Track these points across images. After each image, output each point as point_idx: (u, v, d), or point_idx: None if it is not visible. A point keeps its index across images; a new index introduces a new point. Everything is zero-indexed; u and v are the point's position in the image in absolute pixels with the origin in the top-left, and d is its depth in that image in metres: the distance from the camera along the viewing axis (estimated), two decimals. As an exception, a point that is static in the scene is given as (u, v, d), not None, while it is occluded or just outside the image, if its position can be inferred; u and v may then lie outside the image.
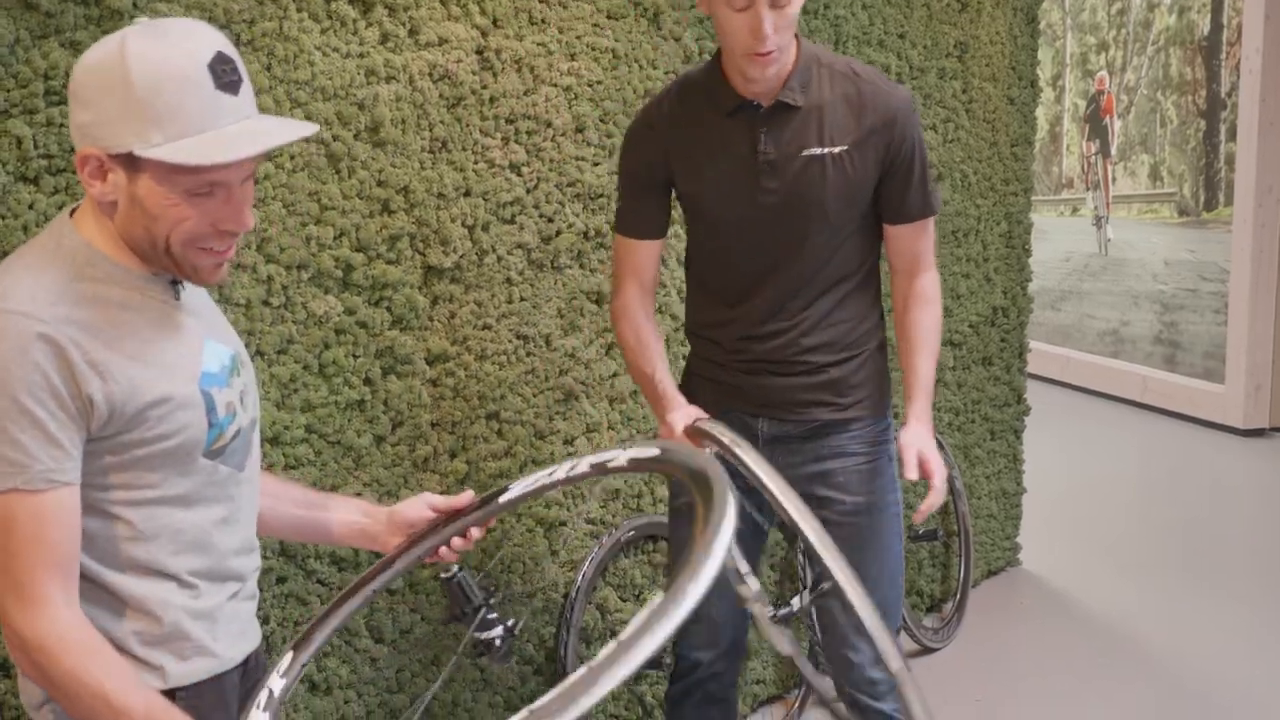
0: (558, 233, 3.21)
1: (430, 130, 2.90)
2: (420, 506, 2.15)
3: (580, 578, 3.30)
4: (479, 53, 2.99)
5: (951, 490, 4.64)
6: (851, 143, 2.53)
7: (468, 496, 2.15)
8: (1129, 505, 6.04)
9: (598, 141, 3.28)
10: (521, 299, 3.14)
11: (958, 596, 4.67)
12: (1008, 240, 4.94)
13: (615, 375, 3.39)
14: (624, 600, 3.48)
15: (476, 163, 3.01)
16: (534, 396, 3.20)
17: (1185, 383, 8.06)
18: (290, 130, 1.75)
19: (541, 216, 3.16)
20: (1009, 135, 4.85)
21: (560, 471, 2.13)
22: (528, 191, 3.13)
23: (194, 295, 1.83)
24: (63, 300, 1.64)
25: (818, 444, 2.68)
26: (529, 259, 3.15)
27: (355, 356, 2.79)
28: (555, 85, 3.16)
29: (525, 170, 3.12)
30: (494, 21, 3.02)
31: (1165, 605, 4.91)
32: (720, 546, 1.58)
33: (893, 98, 2.57)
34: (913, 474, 2.43)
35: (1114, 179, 9.15)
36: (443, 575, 2.22)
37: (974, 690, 4.18)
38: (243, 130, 1.67)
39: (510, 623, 2.19)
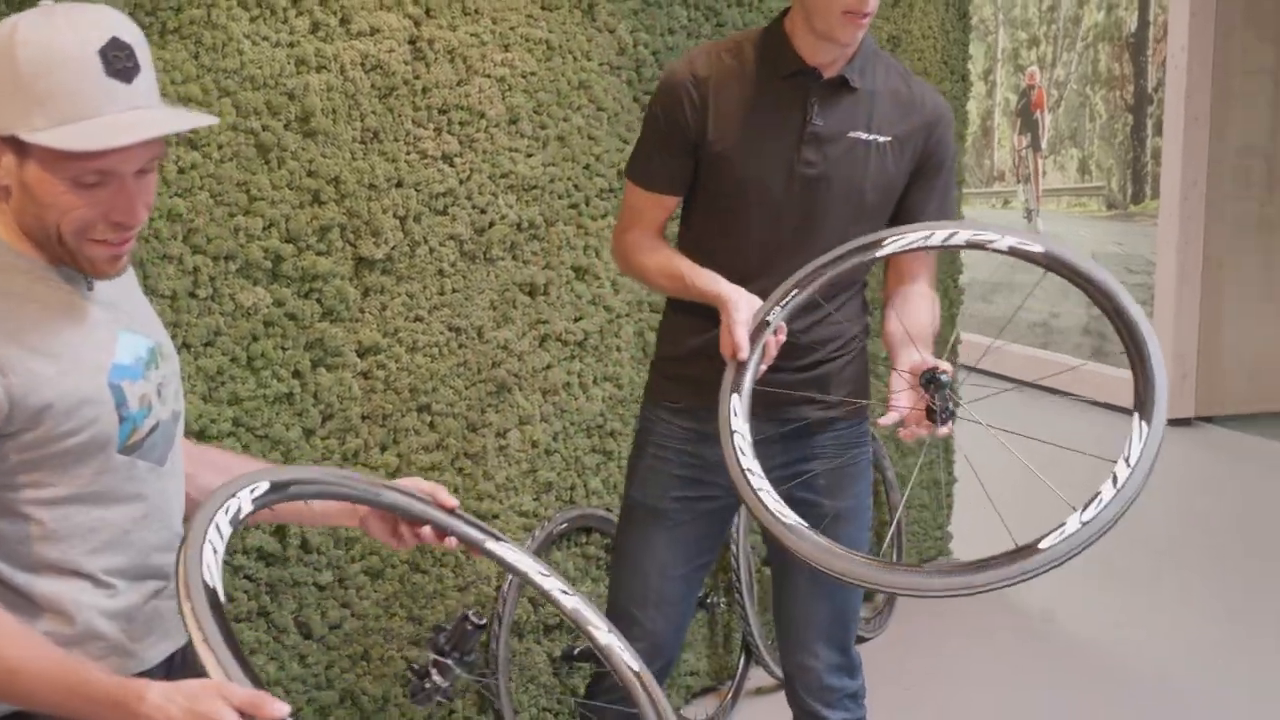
0: (491, 224, 3.16)
1: (362, 120, 2.85)
2: (411, 487, 2.04)
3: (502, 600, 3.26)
4: (411, 42, 2.94)
5: (883, 480, 4.64)
6: (895, 136, 2.50)
7: (451, 502, 2.02)
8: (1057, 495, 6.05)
9: (531, 133, 3.23)
10: (454, 291, 3.10)
11: (889, 586, 4.66)
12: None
13: (549, 367, 3.36)
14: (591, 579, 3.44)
15: (409, 153, 2.96)
16: (466, 389, 3.16)
17: (1113, 373, 8.13)
18: (181, 120, 1.70)
19: (474, 208, 3.12)
20: (941, 129, 4.85)
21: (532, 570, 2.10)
22: (460, 183, 3.08)
23: (113, 286, 1.76)
24: None
25: (799, 444, 2.61)
26: (461, 251, 3.10)
27: (284, 349, 2.74)
28: (489, 76, 3.12)
29: (458, 161, 3.07)
30: (427, 11, 2.97)
31: (1093, 593, 4.94)
32: None
33: (941, 103, 2.58)
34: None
35: (1044, 172, 9.21)
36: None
37: (905, 678, 4.18)
38: (136, 119, 1.60)
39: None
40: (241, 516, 1.69)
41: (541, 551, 3.34)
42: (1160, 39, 7.93)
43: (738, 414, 2.28)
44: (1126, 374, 7.28)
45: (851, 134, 2.48)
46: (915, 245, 2.32)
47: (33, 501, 1.65)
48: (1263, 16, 7.69)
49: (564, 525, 3.39)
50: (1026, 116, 9.35)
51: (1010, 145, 9.58)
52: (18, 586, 1.66)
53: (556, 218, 3.31)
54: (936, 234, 2.30)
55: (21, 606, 1.66)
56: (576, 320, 3.42)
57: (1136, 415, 2.17)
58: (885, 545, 4.73)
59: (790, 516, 2.14)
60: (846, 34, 2.40)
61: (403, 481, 2.01)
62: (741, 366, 2.32)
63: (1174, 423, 7.65)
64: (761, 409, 2.47)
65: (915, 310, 2.53)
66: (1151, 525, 5.93)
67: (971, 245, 2.29)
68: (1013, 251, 2.26)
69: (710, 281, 2.45)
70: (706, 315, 2.49)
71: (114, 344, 1.70)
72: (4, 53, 1.56)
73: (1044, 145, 9.18)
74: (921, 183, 2.56)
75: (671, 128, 2.52)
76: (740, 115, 2.48)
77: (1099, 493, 2.09)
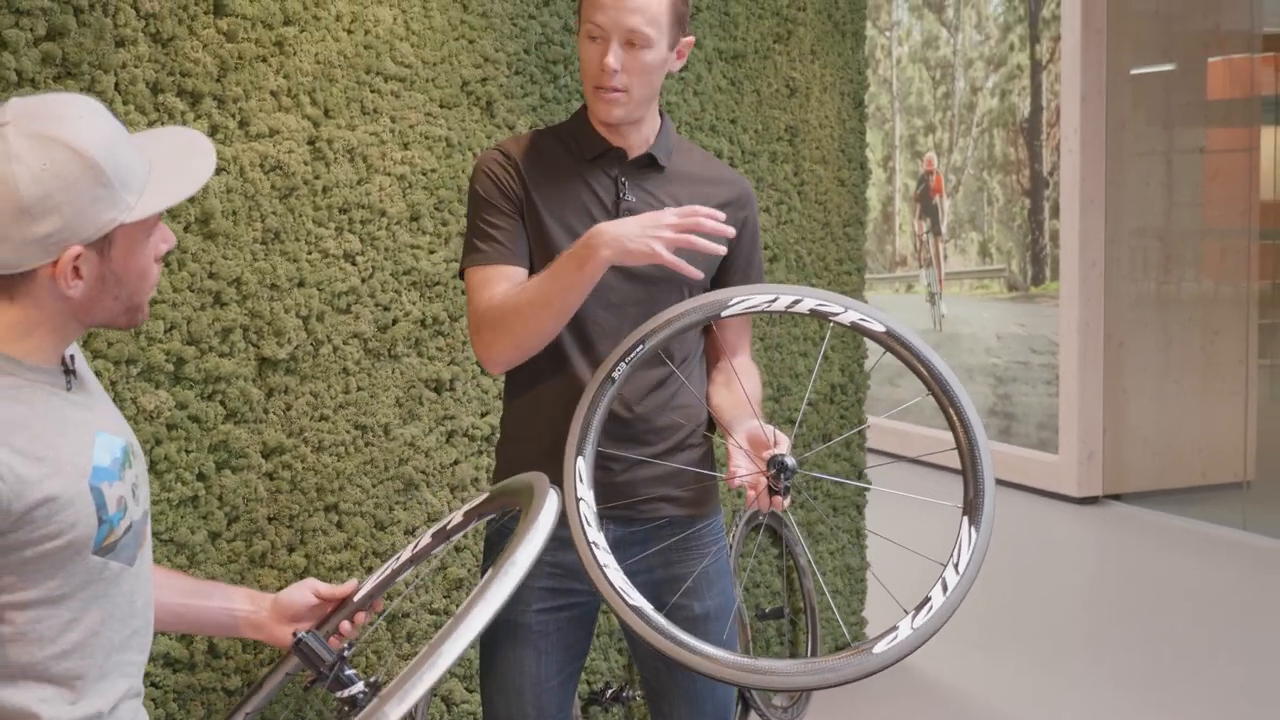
0: (394, 321, 3.20)
1: (262, 221, 2.89)
2: (304, 591, 2.15)
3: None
4: (311, 143, 3.00)
5: (797, 568, 4.69)
6: None
7: (352, 585, 2.17)
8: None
9: (433, 230, 3.29)
10: (359, 389, 3.12)
11: (805, 673, 4.70)
12: (827, 322, 5.04)
13: (456, 463, 3.38)
14: (470, 691, 3.44)
15: (310, 253, 3.00)
16: (373, 487, 3.17)
17: (1020, 453, 8.28)
18: (198, 140, 1.84)
19: (378, 305, 3.16)
20: (841, 216, 4.97)
21: (406, 552, 2.19)
22: (363, 280, 3.12)
23: (85, 385, 1.81)
24: None
25: (660, 545, 2.56)
26: (365, 348, 3.14)
27: (188, 452, 2.75)
28: (389, 174, 3.17)
29: (360, 259, 3.11)
30: (325, 112, 3.02)
31: (1008, 674, 5.01)
32: (546, 519, 1.83)
33: (742, 180, 2.63)
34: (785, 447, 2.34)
35: (945, 256, 9.41)
36: (291, 640, 2.12)
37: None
38: (161, 156, 1.76)
39: (373, 679, 2.15)
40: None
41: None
42: (1053, 124, 8.17)
43: (583, 479, 2.26)
44: (1031, 453, 7.36)
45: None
46: (760, 308, 2.33)
47: (7, 605, 1.67)
48: (1152, 101, 7.97)
49: (410, 567, 3.40)
50: (926, 202, 9.56)
51: (911, 230, 9.78)
52: None
53: (460, 313, 3.36)
54: (781, 298, 2.33)
55: None
56: (483, 415, 3.46)
57: (965, 520, 2.25)
58: (802, 632, 4.77)
59: (635, 597, 2.16)
60: (598, 109, 2.46)
61: (294, 599, 2.12)
62: (586, 429, 2.29)
63: (1082, 500, 7.81)
64: (619, 509, 2.47)
65: (745, 380, 2.56)
66: (1062, 603, 6.03)
67: (815, 314, 2.33)
68: (855, 326, 2.33)
69: (570, 248, 2.37)
70: (554, 397, 2.48)
71: (92, 446, 1.74)
72: (73, 164, 1.64)
73: (944, 229, 9.38)
74: (739, 258, 2.59)
75: (498, 197, 2.48)
76: (553, 195, 2.49)
77: (929, 599, 2.18)
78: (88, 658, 1.75)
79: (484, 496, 2.17)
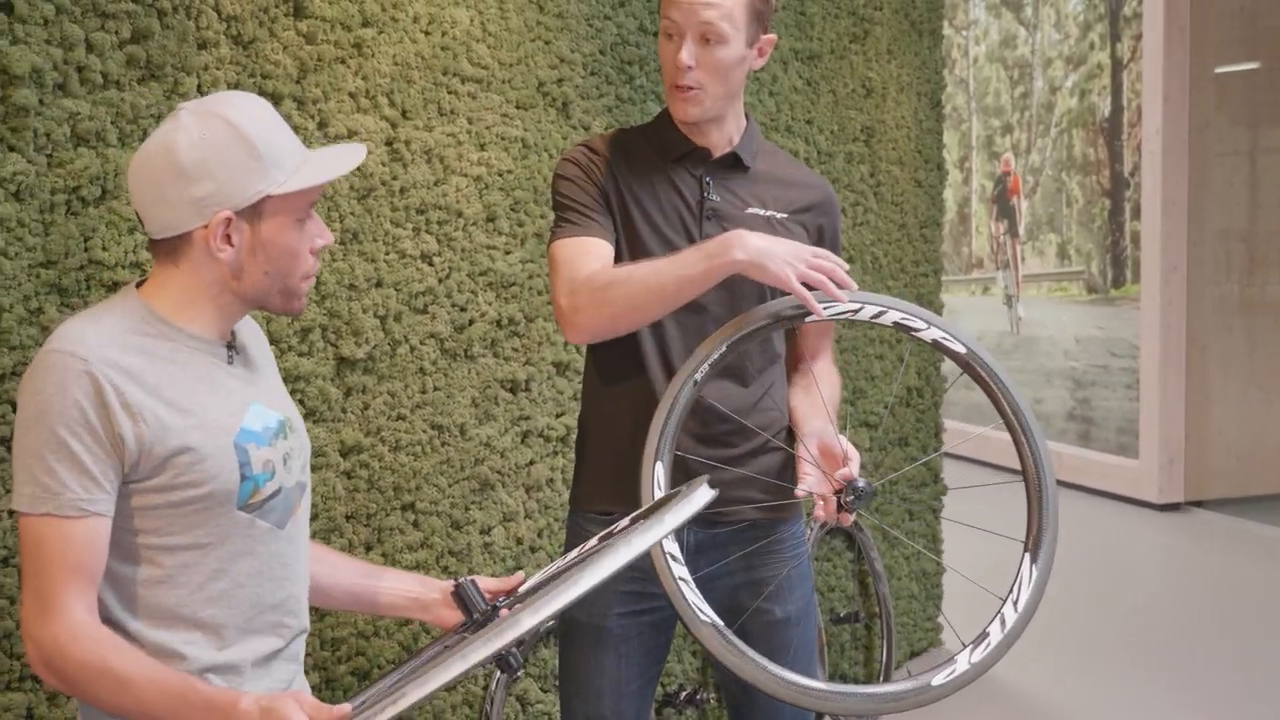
0: (470, 322, 3.24)
1: (341, 222, 2.93)
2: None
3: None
4: (389, 144, 3.04)
5: (872, 572, 4.68)
6: (790, 214, 2.54)
7: (519, 578, 2.24)
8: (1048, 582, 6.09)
9: (509, 230, 3.32)
10: (435, 389, 3.16)
11: (881, 678, 4.69)
12: (908, 335, 5.03)
13: (531, 463, 3.41)
14: (544, 691, 3.47)
15: (388, 253, 3.04)
16: (449, 487, 3.21)
17: (1099, 458, 8.20)
18: (353, 146, 2.01)
19: (454, 306, 3.20)
20: (918, 217, 4.96)
21: (573, 554, 2.26)
22: (440, 281, 3.16)
23: (252, 364, 1.99)
24: (111, 345, 1.80)
25: (744, 549, 2.55)
26: (442, 349, 3.17)
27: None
28: (466, 175, 3.21)
29: (437, 260, 3.15)
30: (403, 113, 3.06)
31: (1086, 682, 4.97)
32: (700, 496, 1.86)
33: (826, 185, 2.64)
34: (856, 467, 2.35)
35: (1023, 258, 9.34)
36: (452, 584, 2.19)
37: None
38: (318, 155, 1.95)
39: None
40: None
41: (528, 650, 3.38)
42: (1135, 124, 8.10)
43: (661, 486, 2.27)
44: (1111, 459, 7.28)
45: (749, 210, 2.51)
46: (844, 316, 2.33)
47: (153, 547, 1.84)
48: (1236, 100, 7.88)
49: (553, 621, 3.42)
50: (1003, 203, 9.50)
51: (988, 232, 9.72)
52: (132, 633, 1.83)
53: (536, 314, 3.39)
54: (867, 308, 2.33)
55: None
56: (558, 416, 3.48)
57: (1027, 557, 2.28)
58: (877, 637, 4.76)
59: (709, 614, 2.18)
60: (676, 109, 2.47)
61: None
62: (665, 434, 2.30)
63: (1163, 507, 7.72)
64: (701, 512, 2.46)
65: (824, 385, 2.58)
66: (1142, 612, 5.97)
67: (898, 327, 2.35)
68: (936, 345, 2.34)
69: (702, 242, 2.35)
70: (635, 399, 2.48)
71: (244, 412, 1.90)
72: (228, 135, 1.84)
73: (1022, 231, 9.32)
74: None
75: (588, 184, 2.49)
76: (640, 192, 2.50)
77: (987, 634, 2.24)
78: (233, 608, 1.89)
79: (652, 505, 2.16)
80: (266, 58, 2.75)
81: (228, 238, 1.85)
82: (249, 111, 1.88)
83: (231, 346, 1.95)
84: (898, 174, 4.83)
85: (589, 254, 2.42)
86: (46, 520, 1.76)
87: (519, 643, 2.05)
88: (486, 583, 2.23)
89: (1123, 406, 8.18)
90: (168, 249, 1.87)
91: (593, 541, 2.24)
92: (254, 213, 1.86)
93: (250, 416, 1.91)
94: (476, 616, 2.13)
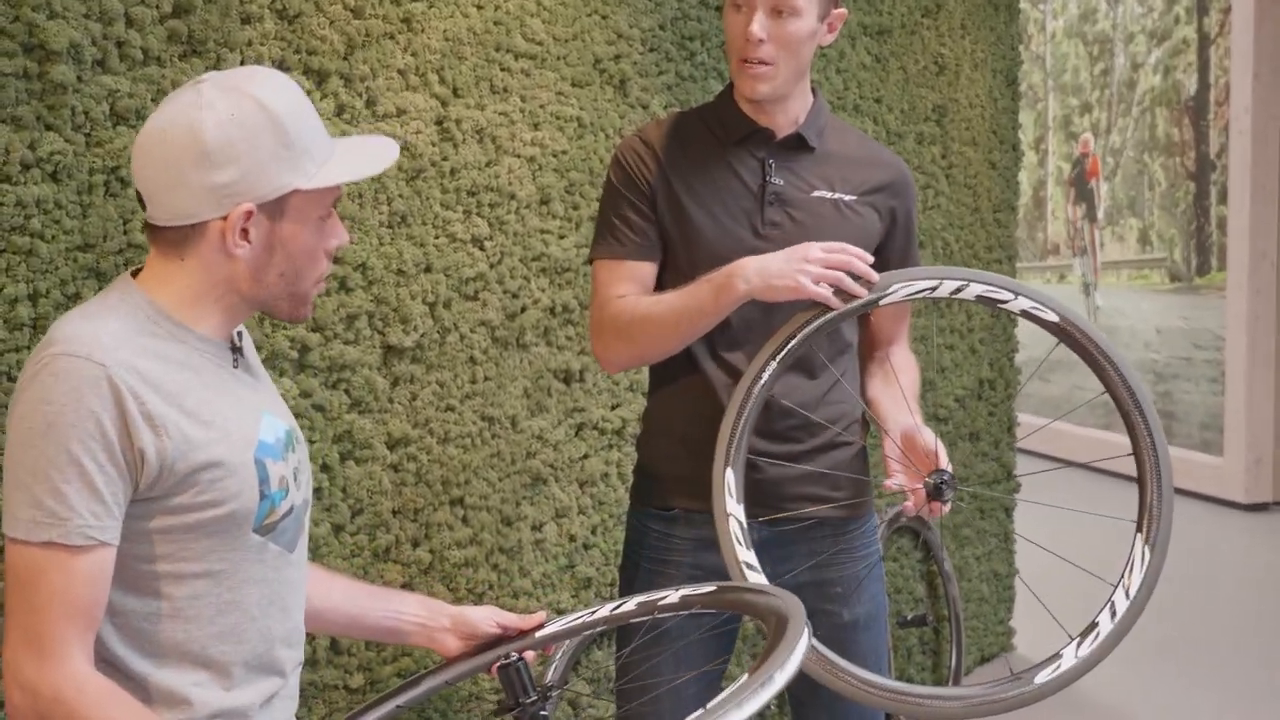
0: (523, 309, 3.23)
1: (389, 204, 2.92)
2: (488, 619, 2.19)
3: (551, 671, 3.29)
4: (439, 123, 3.03)
5: (941, 573, 4.65)
6: (860, 195, 2.53)
7: (539, 617, 2.21)
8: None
9: (563, 214, 3.31)
10: (486, 379, 3.16)
11: (950, 684, 4.67)
12: (993, 310, 4.99)
13: (585, 457, 3.40)
14: (597, 697, 3.47)
15: (437, 237, 3.03)
16: (500, 481, 3.21)
17: (1182, 455, 8.11)
18: (387, 141, 1.93)
19: (506, 292, 3.19)
20: (991, 201, 4.92)
21: (604, 608, 2.23)
22: (491, 266, 3.15)
23: (252, 369, 1.90)
24: (125, 347, 1.69)
25: (808, 547, 2.55)
26: (493, 337, 3.17)
27: (312, 442, 2.80)
28: (518, 156, 3.20)
29: (488, 244, 3.14)
30: (454, 91, 3.05)
31: (1168, 690, 4.92)
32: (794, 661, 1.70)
33: (901, 161, 2.62)
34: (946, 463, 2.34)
35: (1102, 244, 9.25)
36: (501, 661, 2.17)
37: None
38: (345, 145, 1.85)
39: None
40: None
41: (579, 652, 3.37)
42: (1222, 102, 8.00)
43: (733, 493, 2.26)
44: (1194, 456, 7.24)
45: (816, 193, 2.50)
46: (922, 294, 2.30)
47: (166, 575, 1.73)
48: (1329, 77, 7.76)
49: (603, 625, 3.42)
50: (1081, 186, 9.41)
51: (1065, 216, 9.63)
52: (135, 674, 1.73)
53: (591, 301, 3.37)
54: (945, 284, 2.28)
55: (135, 695, 1.72)
56: (614, 408, 3.47)
57: (1139, 537, 2.19)
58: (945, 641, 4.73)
59: None
60: (743, 85, 2.45)
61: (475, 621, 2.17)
62: (735, 437, 2.28)
63: (1251, 508, 7.64)
64: (762, 508, 2.44)
65: (902, 374, 2.56)
66: (1227, 616, 5.90)
67: (982, 300, 2.28)
68: (1025, 315, 2.27)
69: (711, 274, 2.37)
70: (698, 394, 2.49)
71: (259, 422, 1.81)
72: (257, 117, 1.73)
73: (1101, 215, 9.23)
74: (894, 243, 2.58)
75: (630, 189, 2.52)
76: (697, 181, 2.49)
77: (1096, 624, 2.14)
78: (243, 643, 1.80)
79: (710, 588, 2.12)
80: (313, 33, 2.75)
81: (245, 233, 1.75)
82: (281, 92, 1.78)
83: (236, 349, 1.86)
84: (971, 155, 4.79)
85: (620, 280, 2.50)
86: (48, 550, 1.63)
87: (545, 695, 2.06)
88: (506, 617, 2.19)
89: (1207, 401, 8.09)
90: (174, 239, 1.76)
91: (673, 596, 2.17)
92: (277, 207, 1.76)
93: (265, 428, 1.82)
94: (523, 703, 2.10)
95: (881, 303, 2.31)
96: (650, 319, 2.43)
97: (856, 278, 2.30)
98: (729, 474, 2.28)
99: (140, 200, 1.78)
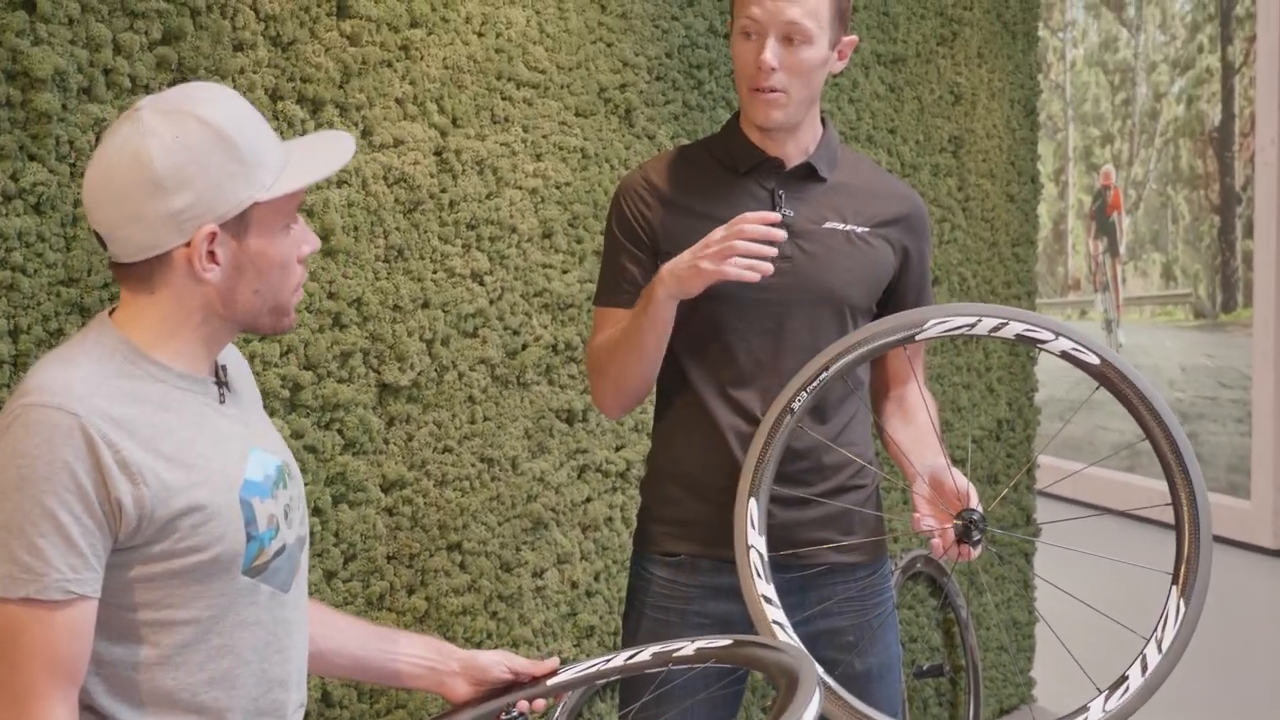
0: (524, 346, 3.22)
1: (385, 238, 2.91)
2: (499, 663, 2.18)
3: (552, 724, 3.27)
4: (438, 154, 3.02)
5: (958, 621, 4.62)
6: (872, 227, 2.53)
7: (553, 663, 2.20)
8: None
9: (566, 247, 3.30)
10: (485, 419, 3.14)
11: (967, 738, 4.63)
12: (1011, 347, 4.98)
13: (588, 500, 3.38)
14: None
15: (435, 272, 3.02)
16: (499, 525, 3.19)
17: (1212, 499, 8.07)
18: (337, 132, 1.94)
19: (506, 329, 3.18)
20: (1009, 235, 4.90)
21: (619, 657, 2.21)
22: (491, 302, 3.14)
23: (241, 400, 1.88)
24: (98, 394, 1.68)
25: (819, 594, 2.53)
26: (493, 375, 3.15)
27: (304, 484, 2.78)
28: (520, 188, 3.19)
29: (488, 279, 3.13)
30: (454, 121, 3.05)
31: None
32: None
33: (915, 194, 2.62)
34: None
35: (1124, 279, 9.24)
36: (503, 716, 2.18)
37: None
38: (299, 148, 1.85)
39: None
40: None
41: (582, 704, 3.34)
42: (1247, 133, 7.99)
43: (755, 524, 2.24)
44: (1220, 499, 7.21)
45: (827, 224, 2.50)
46: (960, 331, 2.28)
47: (151, 623, 1.72)
48: (1358, 107, 7.76)
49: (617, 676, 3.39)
50: (1102, 219, 9.40)
51: (1086, 250, 9.62)
52: None
53: (594, 339, 3.36)
54: (984, 320, 2.25)
55: None
56: (618, 449, 3.45)
57: (1174, 589, 2.17)
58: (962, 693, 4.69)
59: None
60: (754, 113, 2.45)
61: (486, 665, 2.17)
62: (761, 467, 2.28)
63: (1278, 554, 7.59)
64: (775, 555, 2.42)
65: (921, 414, 2.54)
66: (1255, 668, 5.86)
67: (1021, 339, 2.25)
68: (1065, 356, 2.23)
69: (648, 290, 2.41)
70: (705, 434, 2.49)
71: (245, 460, 1.80)
72: (206, 137, 1.72)
73: (1123, 250, 9.22)
74: (908, 278, 2.58)
75: (630, 234, 2.54)
76: (703, 216, 2.48)
77: (1126, 678, 2.11)
78: (238, 689, 1.79)
79: (726, 641, 2.11)
80: (307, 60, 2.75)
81: (212, 255, 1.74)
82: (223, 106, 1.77)
83: (221, 383, 1.85)
84: (988, 187, 4.78)
85: (603, 328, 2.55)
86: (26, 606, 1.63)
87: None
88: (518, 662, 2.18)
89: (1233, 442, 8.05)
90: (141, 274, 1.76)
91: (688, 648, 2.16)
92: (240, 224, 1.76)
93: (252, 465, 1.81)
94: None
95: (918, 338, 2.29)
96: (606, 347, 2.50)
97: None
98: (752, 504, 2.26)
99: (100, 241, 1.77)
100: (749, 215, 2.31)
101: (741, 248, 2.28)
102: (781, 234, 2.31)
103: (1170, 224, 8.77)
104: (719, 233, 2.31)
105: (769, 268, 2.30)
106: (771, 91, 2.41)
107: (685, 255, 2.34)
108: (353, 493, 2.87)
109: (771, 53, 2.38)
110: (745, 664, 2.11)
